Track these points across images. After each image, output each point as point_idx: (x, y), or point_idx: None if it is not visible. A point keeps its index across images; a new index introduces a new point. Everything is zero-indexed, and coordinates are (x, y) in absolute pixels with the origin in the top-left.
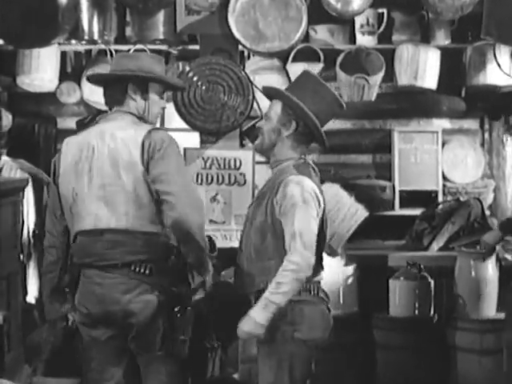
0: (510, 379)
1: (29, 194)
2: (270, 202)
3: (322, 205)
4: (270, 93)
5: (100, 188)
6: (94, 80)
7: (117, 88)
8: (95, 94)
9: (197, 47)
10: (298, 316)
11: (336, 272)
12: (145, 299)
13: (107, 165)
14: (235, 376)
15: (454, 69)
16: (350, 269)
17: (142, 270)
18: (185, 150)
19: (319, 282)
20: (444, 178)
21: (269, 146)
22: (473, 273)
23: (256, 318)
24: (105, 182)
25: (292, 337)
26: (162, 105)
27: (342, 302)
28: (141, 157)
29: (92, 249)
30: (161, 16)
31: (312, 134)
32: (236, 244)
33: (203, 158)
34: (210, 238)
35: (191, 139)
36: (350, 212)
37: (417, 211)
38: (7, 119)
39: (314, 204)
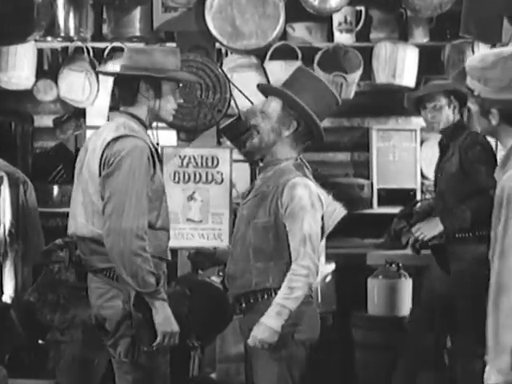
0: (404, 379)
1: (5, 192)
2: (274, 203)
3: (324, 208)
4: (269, 91)
5: (82, 193)
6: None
7: (127, 86)
8: (72, 92)
9: (174, 44)
10: (299, 317)
11: None
12: (115, 304)
13: (86, 170)
14: (213, 376)
15: (432, 67)
16: (329, 267)
17: (112, 276)
18: (162, 148)
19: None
20: (422, 176)
21: (267, 146)
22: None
23: (271, 325)
24: (83, 187)
25: (293, 338)
26: (176, 100)
27: (320, 300)
28: (98, 168)
29: (82, 253)
30: (137, 13)
31: (311, 132)
32: (214, 243)
33: (180, 157)
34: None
35: (168, 137)
36: (328, 210)
37: (395, 209)
38: None
39: (319, 207)
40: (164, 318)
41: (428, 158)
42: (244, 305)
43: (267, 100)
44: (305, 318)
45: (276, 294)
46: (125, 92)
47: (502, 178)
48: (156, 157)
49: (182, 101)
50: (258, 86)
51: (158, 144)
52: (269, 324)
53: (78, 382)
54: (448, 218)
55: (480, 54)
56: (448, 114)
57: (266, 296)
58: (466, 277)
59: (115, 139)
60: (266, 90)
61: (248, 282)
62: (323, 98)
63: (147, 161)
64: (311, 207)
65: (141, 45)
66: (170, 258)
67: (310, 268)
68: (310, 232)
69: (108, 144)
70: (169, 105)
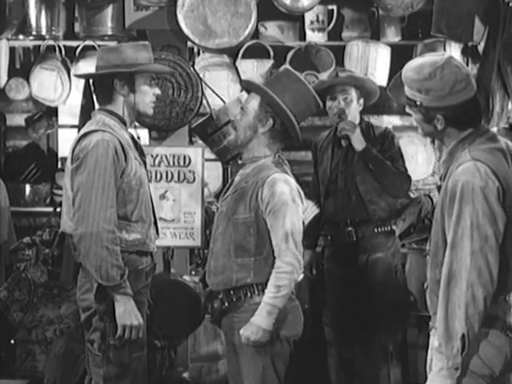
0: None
1: None
2: (254, 199)
3: (304, 202)
4: (250, 87)
5: (66, 191)
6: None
7: (102, 86)
8: (44, 91)
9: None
10: (283, 314)
11: None
12: (88, 298)
13: (66, 168)
14: (185, 375)
15: (404, 66)
16: (302, 265)
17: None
18: None
19: None
20: None
21: (243, 142)
22: (424, 269)
23: (263, 326)
24: (65, 184)
25: (277, 335)
26: (153, 92)
27: None
28: (70, 164)
29: (72, 249)
30: (109, 11)
31: (287, 131)
32: (186, 242)
33: (152, 155)
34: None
35: (140, 136)
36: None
37: None
38: None
39: (300, 202)
40: (124, 310)
41: None
42: (227, 304)
43: (249, 97)
44: (288, 315)
45: (258, 289)
46: (101, 91)
47: (455, 172)
48: (132, 151)
49: (159, 92)
50: (242, 82)
51: (139, 138)
52: (261, 324)
53: (64, 376)
54: (367, 209)
55: (413, 64)
56: (356, 110)
57: (248, 294)
58: (381, 266)
59: (84, 135)
60: (247, 86)
61: (229, 278)
62: (303, 99)
63: (114, 154)
64: (292, 202)
65: (113, 43)
66: (152, 249)
67: (294, 264)
68: (291, 228)
69: (78, 140)
70: (146, 98)
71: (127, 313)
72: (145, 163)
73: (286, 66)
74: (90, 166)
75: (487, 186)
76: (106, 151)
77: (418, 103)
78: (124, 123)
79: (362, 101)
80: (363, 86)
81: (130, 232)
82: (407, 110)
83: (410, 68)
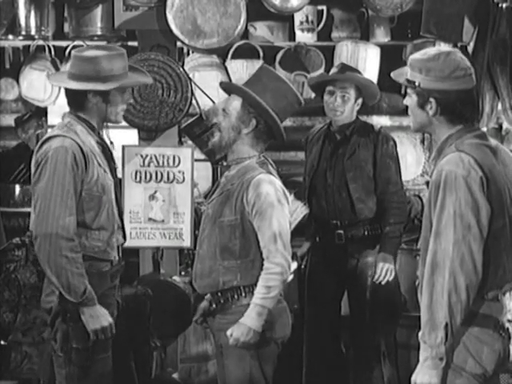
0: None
1: None
2: (239, 201)
3: (289, 203)
4: (230, 89)
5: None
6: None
7: (75, 94)
8: (33, 91)
9: (135, 43)
10: (271, 315)
11: None
12: (51, 300)
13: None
14: (175, 375)
15: (393, 66)
16: (291, 266)
17: None
18: (123, 147)
19: None
20: None
21: (227, 144)
22: (414, 270)
23: (252, 327)
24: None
25: (265, 337)
26: (125, 101)
27: None
28: (33, 169)
29: None
30: (98, 11)
31: (271, 131)
32: (175, 242)
33: (141, 156)
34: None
35: (129, 136)
36: (290, 209)
37: None
38: None
39: (285, 203)
40: (90, 316)
41: None
42: (215, 306)
43: (229, 98)
44: (276, 317)
45: (245, 291)
46: (73, 99)
47: (440, 162)
48: (98, 157)
49: (131, 100)
50: (221, 84)
51: (112, 143)
52: (251, 325)
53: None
54: (354, 207)
55: (422, 51)
56: (352, 108)
57: (236, 296)
58: (370, 270)
59: (46, 140)
60: (227, 88)
61: (215, 281)
62: (285, 97)
63: (73, 161)
64: (278, 203)
65: (102, 43)
66: (113, 257)
67: (283, 265)
68: (279, 229)
69: (40, 145)
70: (118, 108)
71: (94, 317)
72: (113, 170)
73: (264, 64)
74: (47, 174)
75: (470, 176)
76: (64, 158)
77: (417, 84)
78: (92, 129)
79: (360, 101)
80: (365, 88)
81: (89, 239)
82: (405, 101)
83: (418, 52)
